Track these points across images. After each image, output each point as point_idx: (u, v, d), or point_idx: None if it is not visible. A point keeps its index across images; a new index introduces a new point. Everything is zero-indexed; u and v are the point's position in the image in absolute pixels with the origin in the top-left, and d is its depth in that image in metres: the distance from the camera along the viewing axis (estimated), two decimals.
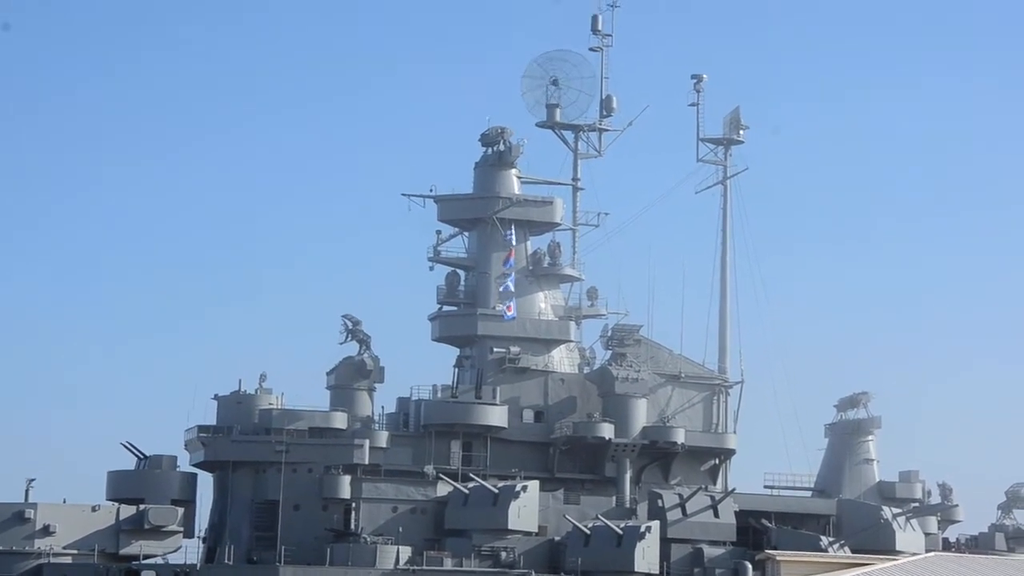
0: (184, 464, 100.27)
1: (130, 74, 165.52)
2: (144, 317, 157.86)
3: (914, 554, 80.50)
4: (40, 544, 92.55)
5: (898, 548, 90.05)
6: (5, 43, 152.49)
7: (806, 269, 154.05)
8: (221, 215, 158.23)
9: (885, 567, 62.92)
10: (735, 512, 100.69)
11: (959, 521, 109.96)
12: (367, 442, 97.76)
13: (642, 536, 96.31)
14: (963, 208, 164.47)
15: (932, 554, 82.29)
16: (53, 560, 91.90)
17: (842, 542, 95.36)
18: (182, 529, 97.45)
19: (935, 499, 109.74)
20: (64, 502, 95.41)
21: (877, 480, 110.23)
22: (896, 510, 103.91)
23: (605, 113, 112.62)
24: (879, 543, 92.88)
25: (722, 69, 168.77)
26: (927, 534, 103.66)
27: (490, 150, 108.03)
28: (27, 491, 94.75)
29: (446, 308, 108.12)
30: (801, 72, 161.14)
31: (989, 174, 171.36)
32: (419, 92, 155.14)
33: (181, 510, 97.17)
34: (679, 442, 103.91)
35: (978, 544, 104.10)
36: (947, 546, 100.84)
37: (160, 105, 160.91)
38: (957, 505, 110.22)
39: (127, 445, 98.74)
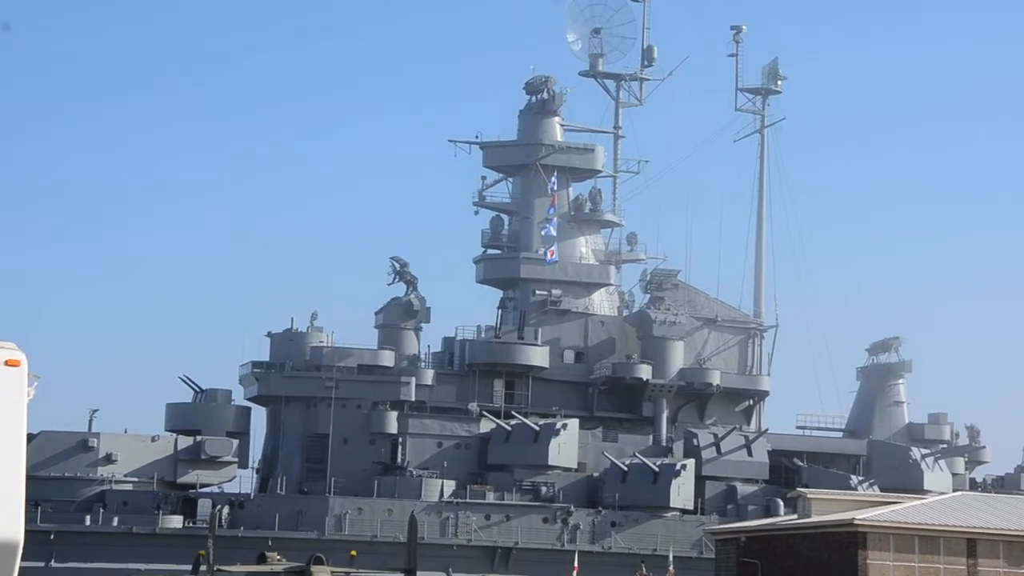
0: (238, 398, 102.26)
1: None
2: (200, 256, 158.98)
3: (941, 493, 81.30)
4: (103, 471, 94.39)
5: (926, 487, 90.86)
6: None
7: (841, 216, 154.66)
8: (276, 165, 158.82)
9: (913, 505, 63.80)
10: (768, 451, 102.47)
11: (986, 462, 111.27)
12: (413, 380, 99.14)
13: (677, 474, 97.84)
14: (997, 156, 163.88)
15: (959, 493, 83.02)
16: (115, 487, 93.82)
17: (871, 481, 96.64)
18: (237, 460, 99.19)
19: (963, 441, 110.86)
20: (125, 432, 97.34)
21: (907, 422, 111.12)
22: (925, 451, 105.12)
23: (646, 63, 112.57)
24: (907, 482, 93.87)
25: (761, 20, 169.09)
26: (954, 474, 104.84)
27: (534, 98, 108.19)
28: (90, 421, 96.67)
29: (490, 251, 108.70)
30: (839, 23, 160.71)
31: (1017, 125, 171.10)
32: (464, 40, 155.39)
33: (236, 442, 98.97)
34: (714, 383, 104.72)
35: (1004, 484, 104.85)
36: (974, 486, 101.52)
37: (236, 64, 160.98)
38: (984, 447, 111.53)
39: (185, 379, 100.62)
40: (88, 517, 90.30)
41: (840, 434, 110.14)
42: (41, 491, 76.34)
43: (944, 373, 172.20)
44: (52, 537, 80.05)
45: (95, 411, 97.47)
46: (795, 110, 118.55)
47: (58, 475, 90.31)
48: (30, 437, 14.41)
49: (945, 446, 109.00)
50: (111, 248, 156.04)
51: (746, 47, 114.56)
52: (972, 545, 56.18)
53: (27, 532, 15.25)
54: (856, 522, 57.45)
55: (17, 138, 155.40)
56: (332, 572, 58.42)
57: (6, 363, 15.47)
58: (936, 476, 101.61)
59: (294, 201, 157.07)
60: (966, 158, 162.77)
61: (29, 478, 15.83)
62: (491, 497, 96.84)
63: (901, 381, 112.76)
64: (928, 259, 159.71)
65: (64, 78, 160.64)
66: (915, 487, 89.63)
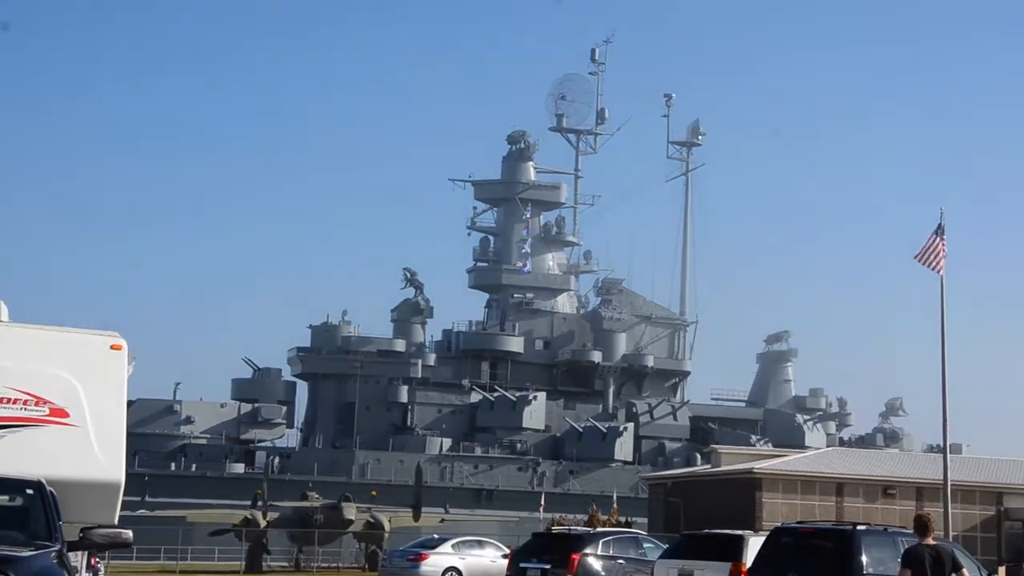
0: (286, 375, 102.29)
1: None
2: (260, 264, 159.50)
3: (818, 448, 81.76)
4: (184, 429, 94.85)
5: (807, 444, 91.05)
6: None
7: (748, 238, 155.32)
8: (323, 199, 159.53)
9: (796, 457, 64.05)
10: (689, 417, 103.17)
11: (851, 425, 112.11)
12: (420, 361, 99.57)
13: (620, 434, 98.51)
14: (859, 171, 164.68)
15: (831, 448, 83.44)
16: (192, 442, 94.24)
17: (766, 439, 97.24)
18: (285, 422, 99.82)
19: (834, 409, 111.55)
20: (201, 400, 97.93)
21: (793, 395, 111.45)
22: (806, 417, 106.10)
23: (599, 121, 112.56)
24: (793, 440, 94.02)
25: (687, 90, 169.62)
26: (828, 434, 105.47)
27: (514, 147, 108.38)
28: (175, 391, 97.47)
29: (479, 264, 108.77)
30: (751, 97, 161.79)
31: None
32: (462, 98, 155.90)
33: (284, 408, 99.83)
34: (649, 366, 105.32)
35: (864, 442, 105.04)
36: (842, 443, 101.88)
37: (254, 84, 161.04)
38: (850, 413, 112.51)
39: (246, 360, 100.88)
40: (173, 464, 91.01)
41: (743, 404, 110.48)
42: (137, 444, 76.45)
43: (821, 358, 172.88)
44: (146, 479, 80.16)
45: (178, 384, 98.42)
46: (713, 157, 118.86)
47: (150, 432, 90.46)
48: (129, 403, 14.41)
49: (821, 413, 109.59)
50: (190, 256, 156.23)
51: (675, 110, 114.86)
52: (840, 487, 56.30)
53: (127, 475, 15.42)
54: (754, 470, 57.53)
55: (101, 130, 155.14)
56: (357, 507, 58.61)
57: (111, 347, 15.57)
58: (814, 435, 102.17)
59: (331, 226, 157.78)
60: (835, 178, 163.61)
61: (128, 434, 16.00)
62: (478, 451, 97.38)
63: (789, 364, 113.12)
64: (811, 268, 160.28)
65: (116, 61, 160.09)
66: (798, 444, 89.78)
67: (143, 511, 63.03)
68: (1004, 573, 41.04)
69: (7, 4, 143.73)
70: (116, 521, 14.34)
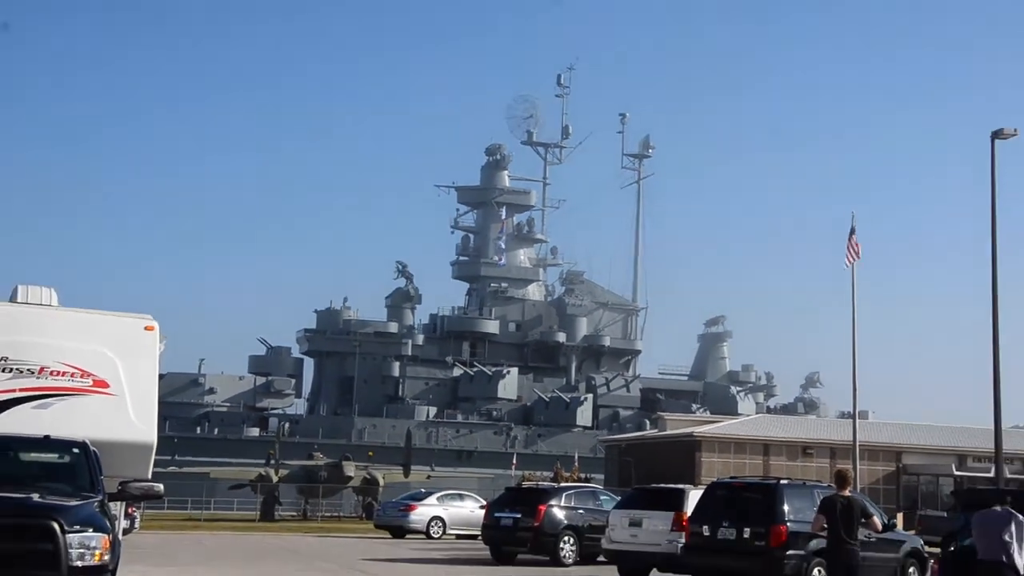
0: (295, 352, 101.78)
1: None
2: (271, 258, 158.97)
3: (748, 415, 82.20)
4: (207, 399, 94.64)
5: (739, 412, 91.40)
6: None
7: (690, 235, 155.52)
8: (326, 201, 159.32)
9: (730, 423, 64.27)
10: (640, 389, 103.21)
11: (776, 395, 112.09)
12: (410, 341, 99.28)
13: (581, 403, 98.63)
14: (803, 197, 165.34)
15: (759, 415, 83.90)
16: (215, 409, 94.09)
17: (705, 408, 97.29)
18: (294, 392, 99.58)
19: (763, 382, 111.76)
20: (222, 373, 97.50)
21: (728, 370, 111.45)
22: (738, 388, 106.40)
23: (564, 136, 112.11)
24: (727, 408, 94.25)
25: (640, 110, 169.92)
26: (757, 403, 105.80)
27: (491, 158, 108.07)
28: (199, 366, 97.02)
29: (461, 258, 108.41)
30: (696, 114, 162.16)
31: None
32: (444, 115, 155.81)
33: (293, 380, 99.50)
34: (606, 345, 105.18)
35: (786, 409, 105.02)
36: (768, 411, 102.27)
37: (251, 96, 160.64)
38: (776, 385, 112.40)
39: (261, 339, 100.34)
40: (198, 428, 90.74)
41: (686, 378, 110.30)
42: (167, 411, 75.74)
43: (751, 338, 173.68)
44: (175, 441, 79.70)
45: (202, 360, 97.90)
46: (662, 167, 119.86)
47: (178, 401, 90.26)
48: (160, 376, 14.45)
49: (751, 385, 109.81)
50: (215, 251, 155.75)
51: (629, 127, 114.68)
52: (766, 448, 56.66)
53: (158, 438, 15.49)
54: (694, 434, 57.83)
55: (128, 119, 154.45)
56: (356, 465, 58.71)
57: (145, 328, 15.66)
58: (745, 404, 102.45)
59: (334, 225, 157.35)
60: (765, 185, 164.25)
61: (160, 403, 16.07)
62: (460, 418, 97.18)
63: (725, 344, 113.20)
64: (745, 261, 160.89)
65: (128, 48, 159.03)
66: (732, 412, 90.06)
67: (172, 468, 62.75)
68: (902, 518, 41.43)
69: (7, 4, 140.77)
70: (149, 476, 14.41)
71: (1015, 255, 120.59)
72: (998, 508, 14.90)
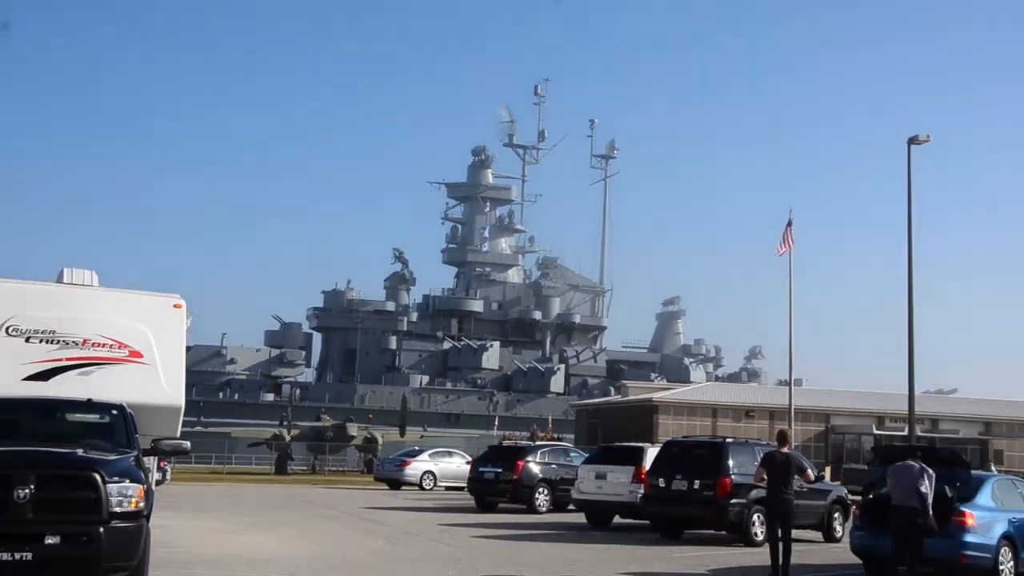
0: (305, 327, 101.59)
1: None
2: (284, 245, 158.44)
3: (699, 383, 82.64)
4: (228, 368, 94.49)
5: (691, 380, 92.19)
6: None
7: (650, 225, 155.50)
8: (335, 198, 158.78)
9: (683, 389, 64.52)
10: (606, 361, 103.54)
11: (723, 366, 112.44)
12: (405, 319, 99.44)
13: (555, 373, 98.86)
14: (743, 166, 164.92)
15: (709, 383, 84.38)
16: (235, 377, 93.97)
17: (662, 376, 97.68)
18: (304, 363, 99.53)
19: (712, 354, 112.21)
20: (242, 346, 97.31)
21: (682, 344, 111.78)
22: (691, 360, 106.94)
23: (541, 139, 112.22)
24: (681, 377, 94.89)
25: (607, 116, 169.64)
26: (707, 373, 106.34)
27: (477, 158, 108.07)
28: (222, 339, 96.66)
29: (450, 245, 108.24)
30: (654, 120, 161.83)
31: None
32: (437, 121, 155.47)
33: (304, 352, 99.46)
34: (576, 322, 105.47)
35: (732, 378, 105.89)
36: (717, 379, 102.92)
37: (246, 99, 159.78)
38: (723, 357, 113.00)
39: (275, 316, 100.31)
40: (220, 394, 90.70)
41: (645, 350, 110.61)
42: (193, 379, 75.39)
43: (702, 316, 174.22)
44: (200, 405, 79.50)
45: (224, 334, 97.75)
46: (624, 168, 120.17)
47: (203, 370, 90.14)
48: (188, 348, 14.44)
49: (702, 357, 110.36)
50: (236, 239, 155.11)
51: (597, 131, 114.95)
52: (715, 411, 56.90)
53: (186, 401, 15.54)
54: (653, 399, 58.07)
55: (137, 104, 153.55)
56: (358, 426, 58.63)
57: (174, 306, 15.67)
58: (697, 373, 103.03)
59: (339, 216, 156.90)
60: (716, 181, 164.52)
61: (187, 371, 16.11)
62: (449, 385, 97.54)
63: (679, 321, 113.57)
64: (697, 248, 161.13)
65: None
66: (685, 380, 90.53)
67: (198, 428, 62.56)
68: (829, 471, 41.84)
69: (7, 4, 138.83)
70: (178, 435, 14.42)
71: (928, 244, 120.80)
72: (910, 462, 15.11)
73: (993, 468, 40.93)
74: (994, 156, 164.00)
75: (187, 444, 12.57)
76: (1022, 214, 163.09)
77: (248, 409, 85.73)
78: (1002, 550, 14.81)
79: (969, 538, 14.66)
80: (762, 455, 16.49)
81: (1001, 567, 14.76)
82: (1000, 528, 14.94)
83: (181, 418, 15.26)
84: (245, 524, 21.46)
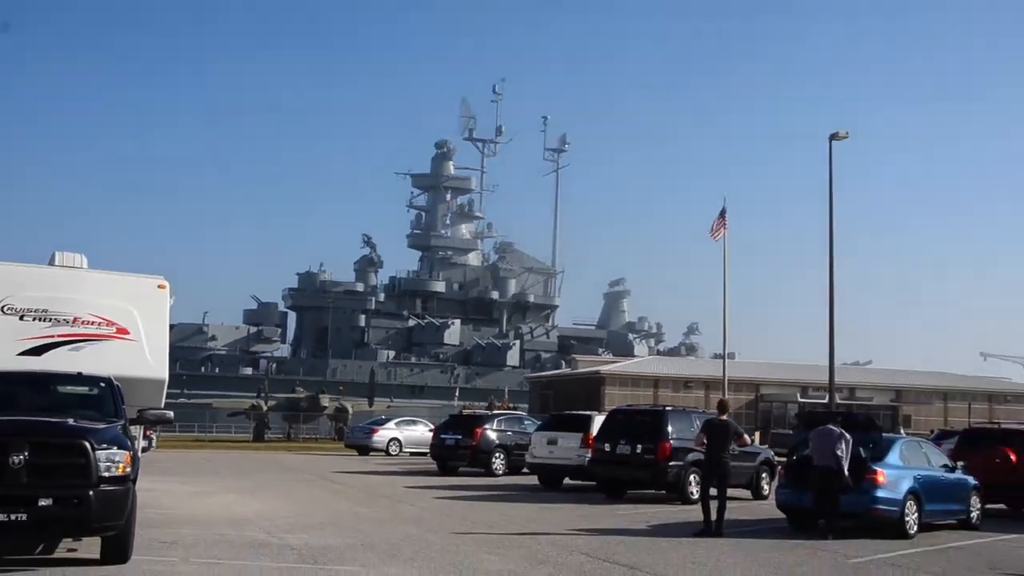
0: (281, 306, 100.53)
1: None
2: (263, 230, 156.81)
3: (642, 357, 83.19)
4: (210, 344, 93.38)
5: (635, 354, 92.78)
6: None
7: (599, 212, 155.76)
8: (315, 189, 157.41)
9: (628, 362, 64.89)
10: (558, 337, 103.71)
11: (664, 341, 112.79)
12: (374, 298, 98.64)
13: (511, 348, 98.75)
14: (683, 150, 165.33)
15: (651, 357, 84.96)
16: (216, 352, 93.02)
17: (609, 351, 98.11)
18: (280, 339, 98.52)
19: (654, 330, 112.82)
20: (222, 324, 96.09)
21: (626, 321, 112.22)
22: (635, 335, 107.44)
23: (498, 134, 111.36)
24: (626, 351, 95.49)
25: (557, 113, 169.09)
26: (649, 348, 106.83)
27: (439, 151, 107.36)
28: (204, 317, 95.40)
29: (415, 231, 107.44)
30: (603, 114, 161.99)
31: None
32: (402, 115, 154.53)
33: (280, 329, 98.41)
34: (531, 301, 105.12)
35: (672, 352, 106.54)
36: (658, 353, 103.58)
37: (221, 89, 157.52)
38: (664, 333, 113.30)
39: (254, 296, 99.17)
40: (202, 368, 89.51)
41: (593, 327, 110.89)
42: (177, 354, 74.74)
43: (645, 295, 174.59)
44: (184, 378, 78.63)
45: (206, 312, 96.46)
46: (574, 160, 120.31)
47: (186, 345, 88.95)
48: (172, 325, 14.34)
49: (645, 333, 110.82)
50: (220, 226, 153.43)
51: (549, 127, 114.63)
52: (656, 382, 57.28)
53: (170, 375, 15.48)
54: (600, 372, 58.38)
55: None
56: (330, 397, 58.53)
57: (158, 287, 15.61)
58: (640, 348, 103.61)
59: (315, 203, 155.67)
60: (657, 172, 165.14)
61: (171, 347, 16.04)
62: (413, 360, 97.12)
63: (624, 300, 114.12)
64: (639, 233, 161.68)
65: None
66: (630, 354, 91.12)
67: (182, 399, 62.37)
68: (759, 435, 42.33)
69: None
70: (162, 405, 14.41)
71: (848, 230, 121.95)
72: (830, 426, 15.41)
73: (902, 431, 41.70)
74: (909, 149, 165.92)
75: (171, 414, 12.55)
76: (921, 207, 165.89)
77: (228, 382, 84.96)
78: (908, 503, 15.20)
79: (880, 493, 15.03)
80: (704, 421, 16.74)
81: (907, 518, 15.16)
82: (907, 484, 15.32)
83: (165, 390, 15.18)
84: (225, 487, 21.38)
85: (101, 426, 10.31)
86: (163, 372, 15.07)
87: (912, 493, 15.29)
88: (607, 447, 20.93)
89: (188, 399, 66.03)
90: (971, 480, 17.13)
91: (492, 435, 28.11)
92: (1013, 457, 19.03)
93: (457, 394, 79.65)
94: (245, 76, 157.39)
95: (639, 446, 20.40)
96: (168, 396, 15.65)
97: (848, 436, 15.13)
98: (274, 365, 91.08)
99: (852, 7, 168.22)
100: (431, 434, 32.79)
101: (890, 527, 15.00)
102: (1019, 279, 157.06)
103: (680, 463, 19.95)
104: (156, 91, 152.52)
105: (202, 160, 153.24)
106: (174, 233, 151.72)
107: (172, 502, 17.38)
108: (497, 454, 27.81)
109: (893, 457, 15.71)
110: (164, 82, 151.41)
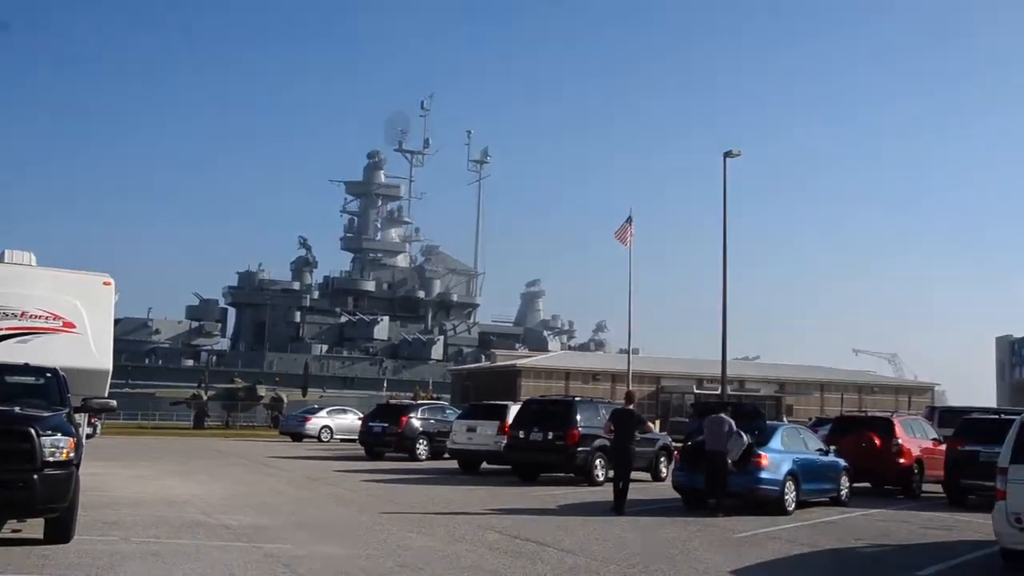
0: (222, 303, 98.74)
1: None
2: (204, 231, 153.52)
3: (555, 352, 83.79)
4: (154, 338, 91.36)
5: (549, 349, 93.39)
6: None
7: (517, 219, 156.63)
8: (269, 191, 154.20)
9: (543, 357, 65.35)
10: (479, 333, 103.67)
11: (575, 337, 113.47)
12: (309, 296, 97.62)
13: (435, 343, 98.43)
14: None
15: (563, 351, 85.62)
16: (160, 345, 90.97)
17: (525, 346, 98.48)
18: (220, 334, 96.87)
19: (566, 328, 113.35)
20: (165, 318, 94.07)
21: (541, 318, 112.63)
22: (549, 332, 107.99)
23: (426, 146, 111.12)
24: (541, 346, 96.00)
25: (481, 128, 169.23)
26: (562, 344, 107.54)
27: (371, 160, 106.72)
28: (148, 312, 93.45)
29: (348, 234, 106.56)
30: (525, 126, 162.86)
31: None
32: (337, 126, 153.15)
33: (220, 324, 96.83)
34: (454, 300, 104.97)
35: (583, 347, 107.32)
36: (570, 348, 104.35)
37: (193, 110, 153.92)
38: (575, 330, 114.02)
39: (196, 293, 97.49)
40: (146, 359, 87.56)
41: (511, 324, 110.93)
42: (121, 347, 72.32)
43: (560, 296, 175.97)
44: (128, 369, 76.58)
45: (150, 308, 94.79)
46: (497, 171, 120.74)
47: (131, 339, 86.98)
48: (117, 320, 14.00)
49: (558, 329, 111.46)
50: (159, 223, 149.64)
51: (474, 140, 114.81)
52: (568, 374, 57.80)
53: (114, 366, 15.19)
54: (517, 365, 58.72)
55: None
56: (267, 388, 57.74)
57: (104, 283, 15.33)
58: (554, 343, 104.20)
59: (253, 208, 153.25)
60: (571, 182, 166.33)
61: (115, 340, 15.76)
62: (345, 353, 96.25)
63: (540, 299, 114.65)
64: (553, 238, 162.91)
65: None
66: (544, 349, 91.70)
67: (127, 389, 60.65)
68: (659, 423, 42.96)
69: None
70: (106, 395, 14.12)
71: (739, 238, 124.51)
72: (721, 415, 15.78)
73: (784, 419, 42.75)
74: (800, 165, 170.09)
75: (114, 402, 12.33)
76: (805, 220, 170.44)
77: (170, 373, 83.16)
78: (787, 483, 15.63)
79: (763, 475, 15.42)
80: (612, 411, 16.93)
81: (786, 496, 15.59)
82: (786, 466, 15.75)
83: (109, 380, 14.86)
84: (166, 471, 20.94)
85: (46, 414, 10.05)
86: (107, 363, 14.73)
87: (791, 474, 15.73)
88: (521, 434, 21.02)
89: (132, 389, 64.28)
90: (842, 462, 17.71)
91: (416, 423, 28.06)
92: (877, 442, 19.70)
93: (385, 385, 79.19)
94: (204, 75, 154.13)
95: (551, 433, 20.52)
96: (113, 386, 15.31)
97: (734, 424, 15.57)
98: (214, 357, 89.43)
99: (749, 38, 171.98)
100: (360, 422, 32.59)
101: (772, 504, 15.41)
102: (886, 285, 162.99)
103: (587, 449, 20.16)
104: (104, 91, 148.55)
105: (151, 162, 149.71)
106: (120, 233, 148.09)
107: (115, 485, 16.96)
108: (421, 441, 27.76)
109: (775, 442, 16.14)
110: (111, 82, 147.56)
